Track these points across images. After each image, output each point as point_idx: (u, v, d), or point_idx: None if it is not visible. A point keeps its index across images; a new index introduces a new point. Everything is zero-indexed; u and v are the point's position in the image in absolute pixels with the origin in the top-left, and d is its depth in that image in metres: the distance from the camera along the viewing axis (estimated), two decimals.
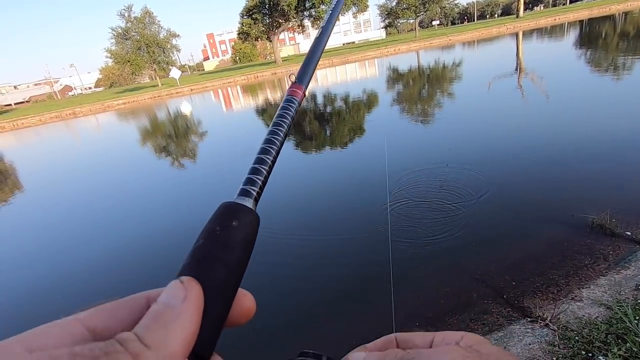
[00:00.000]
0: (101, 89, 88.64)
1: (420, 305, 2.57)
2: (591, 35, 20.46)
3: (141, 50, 39.09)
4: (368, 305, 2.70)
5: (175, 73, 36.30)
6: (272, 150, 0.33)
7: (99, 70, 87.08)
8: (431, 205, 3.93)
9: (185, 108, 21.36)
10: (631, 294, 2.13)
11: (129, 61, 38.75)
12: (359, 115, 10.16)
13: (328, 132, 9.07)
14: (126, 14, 38.78)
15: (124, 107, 29.59)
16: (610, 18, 28.22)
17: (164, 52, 40.51)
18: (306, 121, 10.40)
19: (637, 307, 1.93)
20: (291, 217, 4.35)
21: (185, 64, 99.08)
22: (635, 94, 6.99)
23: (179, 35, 41.34)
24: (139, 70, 40.36)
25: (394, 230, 3.55)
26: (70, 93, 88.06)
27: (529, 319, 2.20)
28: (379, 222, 3.69)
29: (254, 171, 0.31)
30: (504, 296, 2.49)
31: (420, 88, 13.31)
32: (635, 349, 1.62)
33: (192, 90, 32.68)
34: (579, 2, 61.89)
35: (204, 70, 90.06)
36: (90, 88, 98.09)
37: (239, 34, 41.56)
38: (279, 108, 0.38)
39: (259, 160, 0.32)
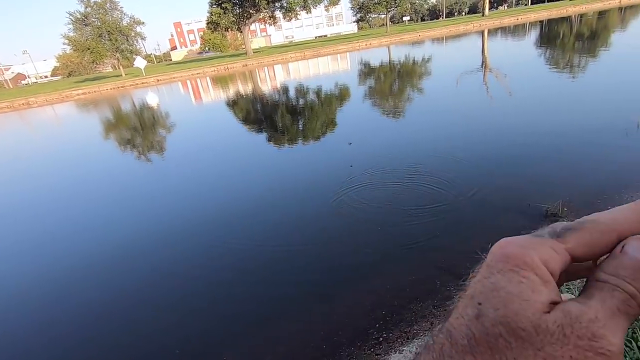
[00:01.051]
0: (58, 77, 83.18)
1: (386, 293, 2.63)
2: (550, 35, 21.55)
3: (102, 37, 36.93)
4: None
5: (140, 62, 34.66)
6: None
7: (56, 57, 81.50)
8: (395, 199, 4.02)
9: (152, 99, 20.51)
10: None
11: (89, 49, 36.52)
12: (323, 116, 10.17)
13: (287, 131, 9.02)
14: None
15: (84, 97, 27.97)
16: (567, 19, 29.85)
17: (127, 40, 38.51)
18: (266, 121, 10.30)
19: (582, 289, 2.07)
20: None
21: (152, 54, 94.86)
22: (587, 92, 7.45)
23: (143, 23, 39.41)
24: (100, 59, 38.15)
25: (359, 223, 3.61)
26: (23, 82, 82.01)
27: None
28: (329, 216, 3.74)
29: None
30: (466, 283, 2.59)
31: (391, 83, 13.50)
32: None
33: (158, 81, 31.39)
34: (540, 4, 64.94)
35: (171, 60, 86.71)
36: (46, 77, 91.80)
37: (208, 23, 40.27)
38: None
39: None
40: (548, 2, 66.00)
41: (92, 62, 39.82)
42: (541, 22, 32.20)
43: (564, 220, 0.20)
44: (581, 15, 31.20)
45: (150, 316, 2.85)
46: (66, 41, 36.69)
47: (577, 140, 4.97)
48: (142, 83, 31.36)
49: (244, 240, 3.73)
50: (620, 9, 32.04)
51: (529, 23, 33.14)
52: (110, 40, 37.14)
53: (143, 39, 40.50)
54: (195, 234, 4.02)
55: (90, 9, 36.58)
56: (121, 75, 39.46)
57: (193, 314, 2.78)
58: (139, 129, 11.89)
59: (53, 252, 4.15)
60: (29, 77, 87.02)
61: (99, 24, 36.55)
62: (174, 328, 2.67)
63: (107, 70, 66.39)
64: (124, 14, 38.33)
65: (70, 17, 36.22)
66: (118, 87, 31.10)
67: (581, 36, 17.79)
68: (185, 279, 3.24)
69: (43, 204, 5.84)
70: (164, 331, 2.66)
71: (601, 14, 29.46)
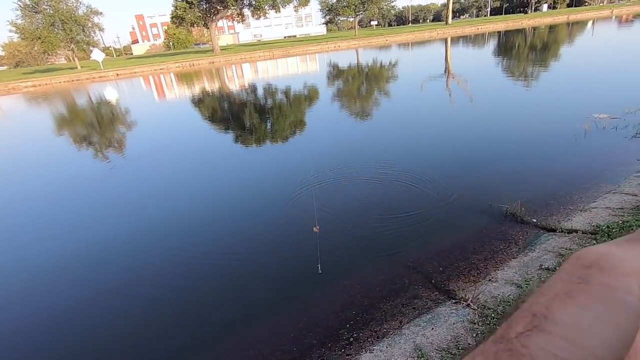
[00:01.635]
0: (4, 67, 76.63)
1: (356, 293, 2.64)
2: (507, 45, 22.86)
3: (55, 26, 34.42)
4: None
5: (97, 55, 32.69)
6: None
7: (1, 46, 75.02)
8: (361, 201, 4.08)
9: (110, 94, 19.41)
10: (536, 273, 2.41)
11: (39, 38, 33.90)
12: (288, 117, 10.14)
13: (253, 130, 8.91)
14: None
15: (34, 90, 25.96)
16: (522, 31, 31.84)
17: (83, 31, 36.14)
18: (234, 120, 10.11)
19: (540, 285, 2.19)
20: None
21: (111, 47, 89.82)
22: (540, 100, 7.95)
23: (101, 13, 37.21)
24: (52, 49, 35.51)
25: (325, 224, 3.61)
26: None
27: (453, 301, 2.38)
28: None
29: None
30: (432, 281, 2.66)
31: (358, 87, 13.69)
32: None
33: (118, 75, 29.80)
34: (498, 16, 68.79)
35: (132, 54, 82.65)
36: None
37: (172, 17, 38.75)
38: None
39: None
40: (505, 14, 70.05)
41: (43, 53, 37.05)
42: (499, 32, 34.10)
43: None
44: (534, 28, 33.40)
45: (111, 323, 2.67)
46: (13, 29, 33.85)
47: (532, 144, 5.28)
48: (100, 77, 29.65)
49: (207, 244, 3.61)
50: (568, 24, 34.68)
51: (488, 33, 34.98)
52: (64, 30, 34.70)
53: (101, 30, 38.26)
54: (152, 238, 3.83)
55: None
56: (77, 67, 37.08)
57: (157, 321, 2.64)
58: (92, 125, 11.20)
59: None
60: None
61: (51, 11, 34.03)
62: (136, 335, 2.52)
63: (61, 62, 62.09)
64: (80, 3, 35.97)
65: (19, 2, 33.45)
66: (73, 80, 29.17)
67: (534, 47, 19.03)
68: (146, 285, 3.07)
69: None
70: (125, 338, 2.50)
71: (551, 27, 31.70)
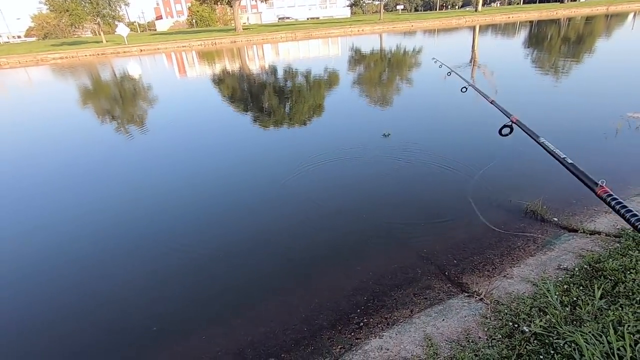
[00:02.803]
0: (33, 39, 78.31)
1: (368, 279, 2.66)
2: (539, 36, 21.85)
3: None
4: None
5: (122, 30, 33.04)
6: None
7: (31, 17, 76.49)
8: (380, 187, 4.06)
9: (134, 69, 19.68)
10: (554, 273, 2.37)
11: (67, 10, 34.47)
12: (308, 101, 10.05)
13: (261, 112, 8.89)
14: None
15: (61, 62, 26.55)
16: (556, 22, 30.30)
17: (109, 5, 36.54)
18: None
19: (557, 284, 2.16)
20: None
21: (135, 22, 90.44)
22: (571, 96, 7.62)
23: None
24: (79, 22, 36.12)
25: (340, 209, 3.62)
26: None
27: (466, 294, 2.38)
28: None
29: None
30: (446, 273, 2.66)
31: (380, 73, 13.43)
32: (554, 320, 1.82)
33: (141, 51, 30.11)
34: (532, 4, 65.56)
35: (155, 30, 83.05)
36: (19, 37, 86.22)
37: None
38: None
39: None
40: (539, 2, 66.68)
41: (71, 25, 37.78)
42: (531, 22, 32.56)
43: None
44: (569, 19, 31.74)
45: (127, 287, 2.79)
46: (43, 0, 34.46)
47: (559, 141, 5.08)
48: (124, 52, 30.03)
49: (224, 220, 3.69)
50: (606, 15, 32.77)
51: (520, 22, 33.45)
52: (91, 3, 35.14)
53: (126, 4, 38.60)
54: (161, 216, 3.93)
55: None
56: (102, 41, 37.59)
57: (172, 293, 2.74)
58: (113, 99, 11.42)
59: None
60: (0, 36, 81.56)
61: None
62: (149, 306, 2.63)
63: (87, 35, 63.04)
64: None
65: None
66: (98, 54, 29.67)
67: (568, 39, 18.13)
68: (160, 257, 3.17)
69: None
70: (136, 310, 2.61)
71: (588, 19, 30.04)
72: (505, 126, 2.16)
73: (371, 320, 2.30)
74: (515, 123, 2.12)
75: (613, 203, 0.96)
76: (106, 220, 3.87)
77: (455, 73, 4.34)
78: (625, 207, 0.92)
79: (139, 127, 7.85)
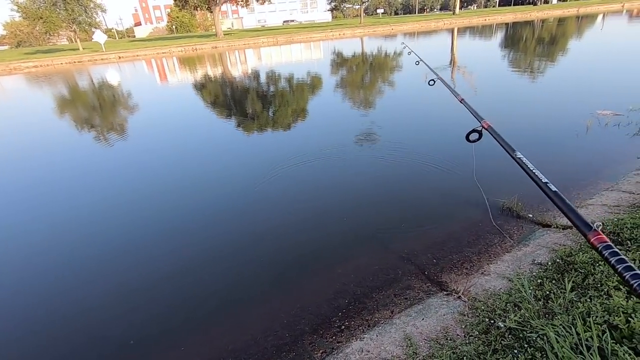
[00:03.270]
0: (5, 47, 75.90)
1: (350, 282, 2.67)
2: (514, 38, 22.50)
3: (57, 6, 34.01)
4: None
5: (99, 37, 32.39)
6: None
7: (3, 25, 74.19)
8: (358, 188, 4.09)
9: (112, 77, 19.28)
10: (528, 268, 2.43)
11: (41, 17, 33.54)
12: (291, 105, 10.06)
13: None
14: None
15: (35, 70, 25.81)
16: (530, 23, 31.29)
17: (85, 12, 35.74)
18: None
19: (531, 279, 2.22)
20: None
21: (113, 28, 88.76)
22: (543, 93, 7.87)
23: None
24: (54, 30, 35.19)
25: (323, 212, 3.63)
26: None
27: (445, 293, 2.41)
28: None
29: None
30: (425, 272, 2.69)
31: (362, 76, 13.56)
32: (527, 315, 1.86)
33: (120, 58, 29.56)
34: (507, 7, 67.55)
35: (134, 37, 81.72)
36: None
37: (175, 0, 38.24)
38: None
39: None
40: (514, 5, 68.75)
41: (45, 33, 36.84)
42: (507, 24, 33.52)
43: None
44: (543, 21, 32.82)
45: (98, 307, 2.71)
46: (15, 7, 33.46)
47: (533, 139, 5.26)
48: (102, 59, 29.43)
49: (200, 228, 3.64)
50: (577, 17, 34.04)
51: (496, 24, 34.39)
52: (66, 10, 34.31)
53: (103, 11, 37.81)
54: (139, 221, 3.86)
55: None
56: (78, 49, 36.73)
57: (148, 304, 2.68)
58: (90, 107, 11.16)
59: None
60: None
61: None
62: (128, 315, 2.56)
63: (63, 43, 61.50)
64: None
65: None
66: (74, 62, 28.97)
67: (542, 40, 18.73)
68: (133, 270, 3.11)
69: None
70: (113, 323, 2.55)
71: (560, 20, 31.14)
72: (474, 131, 1.86)
73: (352, 322, 2.31)
74: (486, 129, 1.83)
75: (607, 254, 0.75)
76: (72, 231, 3.76)
77: (424, 62, 4.36)
78: (623, 261, 0.70)
79: (116, 134, 7.68)
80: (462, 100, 2.42)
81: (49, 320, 2.61)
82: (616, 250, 0.75)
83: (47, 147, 7.24)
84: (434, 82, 3.35)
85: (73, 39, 41.76)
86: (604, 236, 0.79)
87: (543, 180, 1.14)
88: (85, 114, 10.44)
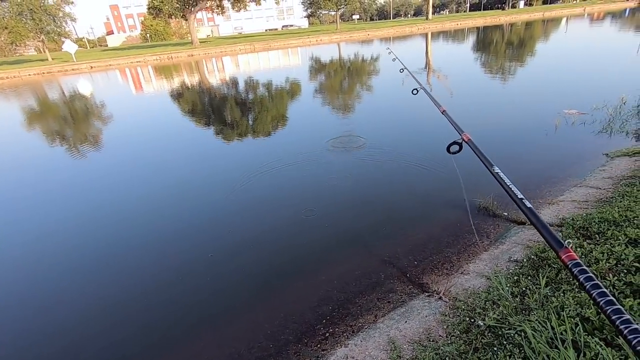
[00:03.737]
0: None
1: (333, 288, 2.66)
2: (485, 41, 23.30)
3: (23, 16, 32.81)
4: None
5: (69, 47, 31.38)
6: None
7: None
8: (338, 193, 4.11)
9: (84, 87, 18.71)
10: (505, 265, 2.50)
11: (6, 28, 32.26)
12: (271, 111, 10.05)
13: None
14: None
15: (1, 83, 24.74)
16: (499, 27, 32.51)
17: (54, 21, 34.60)
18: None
19: (508, 276, 2.28)
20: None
21: (84, 38, 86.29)
22: (513, 94, 8.17)
23: (73, 3, 35.69)
24: (20, 40, 33.87)
25: (303, 219, 3.62)
26: None
27: (426, 294, 2.44)
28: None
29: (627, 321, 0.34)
30: (407, 275, 2.72)
31: (340, 81, 13.69)
32: (505, 312, 1.91)
33: (92, 68, 28.76)
34: (477, 12, 70.00)
35: (107, 46, 79.74)
36: None
37: (149, 8, 37.63)
38: None
39: (617, 309, 0.38)
40: (484, 10, 71.28)
41: (11, 44, 35.29)
42: (478, 28, 34.70)
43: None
44: (511, 25, 34.16)
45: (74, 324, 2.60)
46: None
47: (505, 139, 5.44)
48: (73, 70, 28.54)
49: (177, 240, 3.56)
50: (543, 20, 35.63)
51: (468, 28, 35.53)
52: (33, 19, 33.13)
53: (73, 20, 36.73)
54: (117, 233, 3.75)
55: None
56: (47, 59, 35.50)
57: (128, 320, 2.59)
58: (61, 119, 10.78)
59: None
60: None
61: (18, 0, 32.40)
62: (105, 333, 2.47)
63: (30, 53, 59.34)
64: None
65: None
66: (43, 73, 27.98)
67: (511, 43, 19.48)
68: (113, 285, 3.01)
69: None
70: (92, 337, 2.45)
71: (528, 24, 32.49)
72: (454, 143, 1.95)
73: (337, 329, 2.31)
74: (466, 142, 1.92)
75: (576, 272, 0.79)
76: (36, 251, 3.61)
77: (409, 71, 4.45)
78: (591, 279, 0.74)
79: (88, 145, 7.44)
80: (444, 112, 2.48)
81: (26, 337, 2.49)
82: (585, 268, 0.79)
83: (7, 164, 6.93)
84: (417, 91, 3.43)
85: (41, 49, 40.31)
86: (574, 254, 0.83)
87: (519, 197, 1.20)
88: (55, 126, 10.07)
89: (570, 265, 0.82)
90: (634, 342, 0.58)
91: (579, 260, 0.81)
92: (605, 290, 0.71)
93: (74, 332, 2.55)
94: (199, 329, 2.45)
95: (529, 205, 1.10)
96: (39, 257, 3.53)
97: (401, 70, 4.71)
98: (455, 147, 1.95)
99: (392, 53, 6.10)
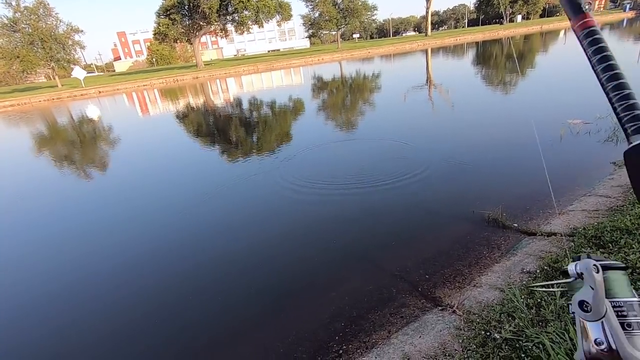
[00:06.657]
0: None
1: (345, 305, 2.64)
2: (485, 55, 23.61)
3: (34, 45, 33.94)
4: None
5: (78, 73, 32.27)
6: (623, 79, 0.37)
7: None
8: (346, 209, 4.12)
9: (92, 112, 19.14)
10: (518, 277, 2.47)
11: (18, 57, 33.33)
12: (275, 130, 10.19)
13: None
14: (14, 2, 33.31)
15: (12, 109, 25.39)
16: (498, 41, 32.98)
17: (63, 49, 35.72)
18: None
19: (522, 288, 2.25)
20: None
21: (92, 64, 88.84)
22: (517, 106, 8.22)
23: (82, 31, 36.89)
24: (31, 68, 34.91)
25: (312, 236, 3.63)
26: None
27: (439, 308, 2.41)
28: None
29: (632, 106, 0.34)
30: (419, 289, 2.69)
31: (343, 98, 13.88)
32: (522, 324, 1.88)
33: (100, 92, 29.47)
34: (475, 27, 71.20)
35: (114, 71, 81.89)
36: None
37: (155, 34, 38.73)
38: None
39: (625, 95, 0.35)
40: (482, 25, 72.47)
41: (22, 72, 36.38)
42: (477, 42, 35.22)
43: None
44: (510, 38, 34.64)
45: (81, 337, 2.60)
46: None
47: (511, 151, 5.44)
48: (82, 95, 29.25)
49: (190, 258, 3.57)
50: (541, 33, 36.11)
51: (467, 43, 36.07)
52: (44, 48, 34.23)
53: (82, 47, 37.90)
54: (125, 253, 3.77)
55: (19, 14, 33.53)
56: (57, 86, 36.46)
57: (136, 341, 2.58)
58: (70, 143, 10.99)
59: None
60: None
61: (30, 30, 33.61)
62: (113, 355, 2.46)
63: (40, 81, 61.05)
64: (60, 21, 35.63)
65: None
66: (53, 99, 28.69)
67: (510, 56, 19.71)
68: (114, 307, 3.01)
69: None
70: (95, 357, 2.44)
71: (526, 37, 32.93)
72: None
73: (350, 346, 2.28)
74: None
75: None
76: (19, 274, 3.63)
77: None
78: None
79: (93, 167, 7.56)
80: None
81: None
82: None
83: (21, 183, 7.05)
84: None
85: (51, 76, 41.50)
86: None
87: None
88: (62, 149, 10.27)
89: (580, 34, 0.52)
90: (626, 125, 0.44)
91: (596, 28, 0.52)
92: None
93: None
94: (210, 350, 2.43)
95: None
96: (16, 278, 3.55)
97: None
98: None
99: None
